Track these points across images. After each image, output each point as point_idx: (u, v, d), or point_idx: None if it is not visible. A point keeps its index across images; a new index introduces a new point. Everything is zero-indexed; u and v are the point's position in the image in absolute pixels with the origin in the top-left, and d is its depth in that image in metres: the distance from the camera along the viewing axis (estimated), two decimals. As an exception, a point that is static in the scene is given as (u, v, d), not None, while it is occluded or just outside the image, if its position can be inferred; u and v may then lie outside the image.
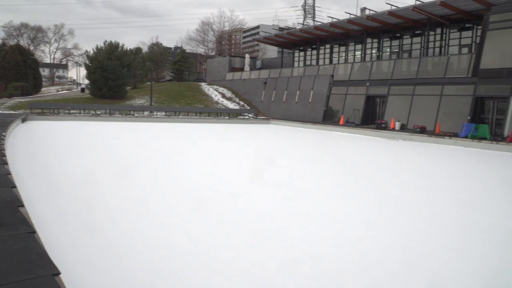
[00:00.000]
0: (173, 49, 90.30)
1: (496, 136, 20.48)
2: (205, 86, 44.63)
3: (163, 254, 4.69)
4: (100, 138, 18.57)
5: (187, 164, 11.79)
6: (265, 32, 52.76)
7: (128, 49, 43.10)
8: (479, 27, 25.11)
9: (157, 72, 59.81)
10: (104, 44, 39.14)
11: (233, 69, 48.02)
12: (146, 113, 33.68)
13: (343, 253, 4.95)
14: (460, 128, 20.97)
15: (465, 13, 25.57)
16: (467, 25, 26.98)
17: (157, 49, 60.73)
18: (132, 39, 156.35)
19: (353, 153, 16.79)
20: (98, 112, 32.10)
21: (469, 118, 21.82)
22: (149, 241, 5.11)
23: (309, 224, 6.12)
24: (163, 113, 34.10)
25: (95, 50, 38.81)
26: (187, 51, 65.11)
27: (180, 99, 39.37)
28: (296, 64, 43.07)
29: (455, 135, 20.99)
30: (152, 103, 36.19)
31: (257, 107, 39.12)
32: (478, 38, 24.87)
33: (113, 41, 39.43)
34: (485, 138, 19.51)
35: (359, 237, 5.56)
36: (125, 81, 39.04)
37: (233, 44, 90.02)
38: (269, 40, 45.21)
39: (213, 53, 72.27)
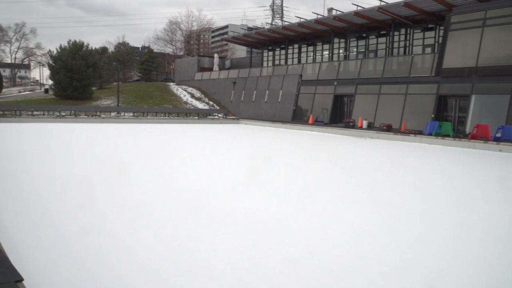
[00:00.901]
0: (140, 49, 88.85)
1: (459, 133, 21.22)
2: (173, 86, 44.12)
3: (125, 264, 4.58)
4: (65, 140, 18.02)
5: (155, 165, 11.60)
6: (234, 32, 52.64)
7: (94, 48, 42.03)
8: (442, 27, 25.94)
9: (124, 72, 58.69)
10: (68, 43, 38.04)
11: (202, 69, 47.70)
12: (113, 114, 32.96)
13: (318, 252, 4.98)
14: (425, 126, 21.59)
15: (428, 14, 26.37)
16: (430, 26, 27.83)
17: (123, 48, 59.56)
18: (98, 38, 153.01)
19: (323, 152, 16.98)
20: (63, 114, 31.17)
21: (432, 116, 22.50)
22: (112, 248, 4.98)
23: (281, 225, 6.13)
24: (131, 114, 33.48)
25: (59, 50, 37.64)
26: (154, 50, 64.20)
27: (148, 99, 38.76)
28: (265, 63, 43.22)
29: (420, 132, 21.59)
30: (120, 104, 35.47)
31: (226, 107, 39.01)
32: (440, 38, 25.69)
33: (77, 41, 38.39)
34: (448, 135, 20.17)
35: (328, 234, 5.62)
36: (91, 81, 38.06)
37: (201, 44, 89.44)
38: (237, 40, 45.20)
39: (182, 53, 71.57)
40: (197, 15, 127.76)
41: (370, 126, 25.44)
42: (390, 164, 13.84)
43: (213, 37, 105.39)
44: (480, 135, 18.89)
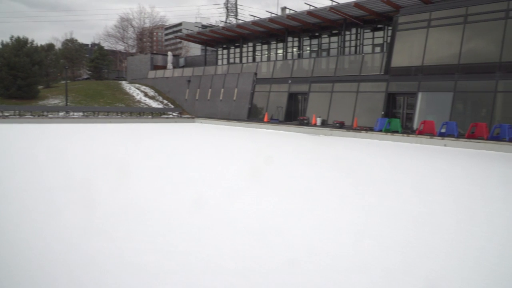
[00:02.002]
0: (90, 46, 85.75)
1: (407, 129, 22.12)
2: (126, 85, 42.98)
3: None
4: (5, 142, 17.07)
5: (113, 164, 11.22)
6: (188, 29, 51.91)
7: (39, 45, 40.14)
8: (390, 27, 26.89)
9: (72, 70, 56.47)
10: (11, 39, 36.08)
11: (155, 67, 46.78)
12: (61, 113, 31.63)
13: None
14: (375, 123, 22.32)
15: (377, 14, 27.25)
16: (379, 26, 28.78)
17: (72, 45, 57.25)
18: (43, 34, 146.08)
19: (280, 150, 17.13)
20: (6, 114, 29.53)
21: (382, 113, 23.32)
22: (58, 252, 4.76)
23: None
24: (81, 114, 32.28)
25: (1, 46, 35.62)
26: (105, 48, 62.10)
27: (99, 98, 37.51)
28: (220, 62, 43.04)
29: (370, 129, 22.30)
30: (68, 103, 34.10)
31: (181, 105, 38.52)
32: (389, 38, 26.63)
33: (21, 37, 36.47)
34: (397, 131, 20.97)
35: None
36: (37, 79, 36.31)
37: (155, 42, 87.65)
38: (191, 38, 44.69)
39: (134, 51, 69.80)
40: (149, 12, 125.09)
41: (324, 124, 25.97)
42: (344, 160, 14.18)
43: (166, 34, 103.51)
44: (427, 131, 19.78)
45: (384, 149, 17.03)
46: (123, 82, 45.59)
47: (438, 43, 21.74)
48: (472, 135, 18.23)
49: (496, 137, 17.51)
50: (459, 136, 18.67)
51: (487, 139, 17.55)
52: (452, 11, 21.13)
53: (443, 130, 19.18)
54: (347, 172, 11.28)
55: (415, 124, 21.66)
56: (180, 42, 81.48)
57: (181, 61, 49.23)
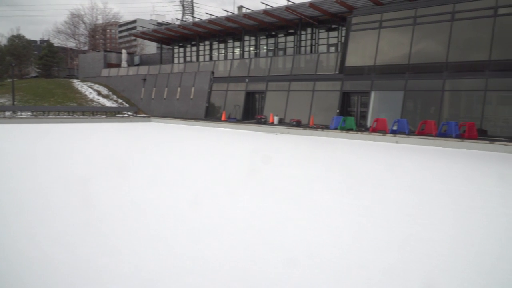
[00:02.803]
0: (38, 42, 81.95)
1: (361, 127, 22.76)
2: (78, 83, 41.46)
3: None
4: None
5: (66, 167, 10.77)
6: (143, 27, 50.78)
7: (-18, 41, 37.83)
8: (344, 28, 27.53)
9: (20, 68, 53.74)
10: (-50, 34, 33.83)
11: (109, 65, 45.44)
12: (8, 113, 30.05)
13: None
14: (331, 121, 22.80)
15: (331, 14, 27.83)
16: (333, 26, 29.40)
17: (18, 42, 54.43)
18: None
19: (237, 148, 17.12)
20: None
21: (337, 111, 23.86)
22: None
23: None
24: (29, 113, 30.81)
25: None
26: (55, 45, 59.60)
27: (49, 97, 35.96)
28: (176, 60, 42.44)
29: (326, 127, 22.76)
30: (15, 102, 32.43)
31: (137, 104, 37.65)
32: (343, 38, 27.26)
33: (-38, 32, 34.26)
34: (351, 129, 21.53)
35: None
36: (-20, 77, 34.29)
37: (108, 39, 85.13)
38: (147, 36, 43.78)
39: (86, 48, 67.46)
40: (102, 8, 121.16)
41: (281, 122, 26.22)
42: (301, 156, 14.38)
43: (120, 32, 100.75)
44: (379, 128, 20.44)
45: (340, 146, 17.43)
46: (75, 80, 43.94)
47: (389, 43, 22.51)
48: (422, 132, 19.02)
49: (443, 133, 18.36)
50: (410, 133, 19.42)
51: (436, 135, 18.37)
52: (402, 13, 21.94)
53: (395, 128, 19.88)
54: (307, 169, 11.44)
55: (369, 122, 22.32)
56: (135, 39, 79.55)
57: (136, 59, 48.13)
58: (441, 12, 20.50)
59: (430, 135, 18.57)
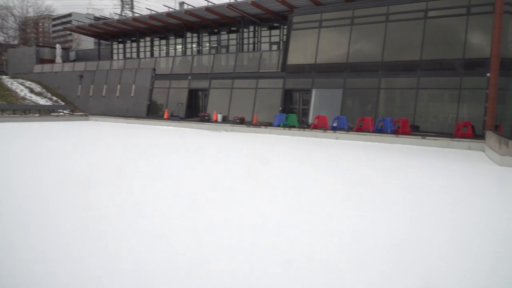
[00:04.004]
0: (-39, 36, 75.66)
1: (303, 124, 23.29)
2: (7, 80, 38.72)
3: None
4: None
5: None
6: (79, 21, 48.35)
7: None
8: (285, 26, 27.97)
9: None
10: None
11: (42, 61, 42.90)
12: None
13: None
14: (273, 118, 23.12)
15: (273, 13, 28.15)
16: (275, 25, 29.77)
17: None
18: None
19: (181, 146, 16.87)
20: None
21: (280, 108, 24.24)
22: None
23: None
24: (-49, 112, 28.40)
25: None
26: (-20, 38, 55.38)
27: (-25, 94, 33.33)
28: (115, 56, 40.94)
29: (270, 124, 23.04)
30: None
31: (73, 102, 35.93)
32: (284, 37, 27.69)
33: None
34: (294, 126, 21.97)
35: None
36: None
37: (40, 33, 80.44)
38: (83, 30, 41.80)
39: (16, 42, 63.28)
40: (33, 1, 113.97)
41: (225, 120, 26.20)
42: (244, 154, 14.46)
43: (54, 25, 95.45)
44: (321, 125, 21.03)
45: (283, 143, 17.72)
46: (4, 77, 41.00)
47: (329, 43, 23.19)
48: (360, 128, 19.81)
49: (380, 129, 19.25)
50: (349, 129, 20.16)
51: (373, 131, 19.22)
52: (340, 13, 22.69)
53: (335, 124, 20.54)
54: (250, 166, 11.51)
55: (310, 119, 22.89)
56: (70, 34, 75.76)
57: (72, 54, 45.88)
58: (376, 14, 21.44)
59: (368, 131, 19.39)
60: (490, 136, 14.69)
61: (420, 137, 17.54)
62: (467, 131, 17.24)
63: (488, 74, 17.29)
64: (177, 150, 15.30)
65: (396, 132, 18.65)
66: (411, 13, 20.37)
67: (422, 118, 20.00)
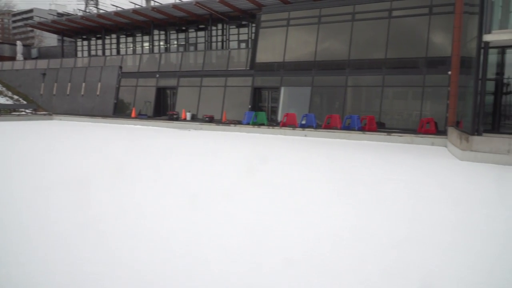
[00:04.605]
0: None
1: (272, 121, 23.42)
2: (-36, 78, 37.07)
3: None
4: None
5: None
6: (41, 17, 46.77)
7: None
8: (254, 25, 28.02)
9: None
10: None
11: (1, 58, 41.26)
12: None
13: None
14: (243, 116, 23.14)
15: (241, 11, 28.14)
16: (243, 23, 29.78)
17: None
18: None
19: (147, 145, 16.62)
20: None
21: (249, 106, 24.28)
22: None
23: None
24: None
25: None
26: None
27: None
28: (80, 54, 39.87)
29: (239, 122, 23.04)
30: None
31: (36, 101, 34.76)
32: (253, 35, 27.74)
33: None
34: (263, 124, 22.06)
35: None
36: None
37: (0, 29, 77.31)
38: (45, 27, 40.46)
39: (-27, 39, 60.59)
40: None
41: (194, 118, 26.01)
42: (211, 152, 14.40)
43: (14, 22, 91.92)
44: (289, 123, 21.21)
45: (252, 141, 17.76)
46: (-40, 74, 39.23)
47: (297, 41, 23.39)
48: (328, 125, 20.11)
49: (347, 127, 19.60)
50: (317, 127, 20.43)
51: (341, 129, 19.55)
52: (308, 12, 22.93)
53: (303, 122, 20.76)
54: (222, 164, 11.48)
55: (279, 117, 23.05)
56: (32, 30, 73.20)
57: (34, 52, 44.36)
58: (343, 13, 21.79)
59: (336, 128, 19.70)
60: (452, 132, 15.24)
61: (385, 133, 17.98)
62: (430, 128, 17.82)
63: (450, 72, 17.95)
64: (146, 150, 15.07)
65: (363, 129, 19.04)
66: (376, 12, 20.83)
67: (387, 115, 20.51)
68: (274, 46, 24.02)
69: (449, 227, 5.79)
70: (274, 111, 24.22)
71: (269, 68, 23.98)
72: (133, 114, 28.28)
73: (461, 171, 10.72)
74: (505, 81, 13.54)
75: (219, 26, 30.97)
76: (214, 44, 31.06)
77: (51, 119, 31.45)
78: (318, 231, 5.47)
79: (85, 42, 39.81)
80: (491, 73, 13.08)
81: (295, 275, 4.10)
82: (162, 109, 29.03)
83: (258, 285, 3.90)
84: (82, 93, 32.26)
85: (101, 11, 38.07)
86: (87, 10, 60.62)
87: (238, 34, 30.42)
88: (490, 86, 13.32)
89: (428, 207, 6.91)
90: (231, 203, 6.93)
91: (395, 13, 20.40)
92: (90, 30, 37.80)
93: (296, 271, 4.18)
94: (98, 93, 31.40)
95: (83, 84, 32.29)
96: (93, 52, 38.88)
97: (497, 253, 4.87)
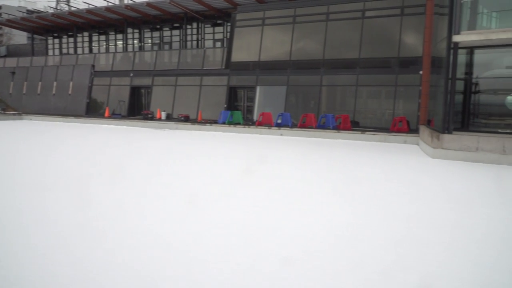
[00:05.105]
0: None
1: (248, 120, 23.42)
2: None
3: None
4: None
5: None
6: (9, 14, 45.40)
7: None
8: (229, 24, 27.94)
9: None
10: None
11: (-32, 56, 39.85)
12: None
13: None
14: (218, 115, 23.05)
15: (216, 10, 28.01)
16: (219, 22, 29.64)
17: None
18: None
19: (122, 145, 16.35)
20: None
21: (225, 106, 24.21)
22: None
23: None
24: None
25: None
26: None
27: None
28: (50, 52, 38.86)
29: (215, 122, 22.94)
30: None
31: (4, 100, 33.71)
32: (228, 34, 27.67)
33: None
34: (239, 123, 22.03)
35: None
36: None
37: (-34, 26, 74.52)
38: (14, 24, 39.23)
39: None
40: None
41: (169, 118, 25.75)
42: (189, 152, 14.29)
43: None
44: (265, 122, 21.25)
45: (228, 140, 17.72)
46: None
47: (272, 40, 23.46)
48: (303, 124, 20.25)
49: (322, 125, 19.78)
50: (293, 126, 20.54)
51: (316, 127, 19.72)
52: (283, 12, 23.03)
53: (279, 121, 20.84)
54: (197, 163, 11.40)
55: (255, 116, 23.06)
56: (0, 28, 70.90)
57: (2, 50, 43.00)
58: (317, 13, 21.98)
59: (311, 127, 19.86)
60: (423, 130, 15.58)
61: (360, 132, 18.23)
62: (402, 126, 18.18)
63: (421, 72, 18.34)
64: (124, 150, 14.82)
65: (337, 128, 19.26)
66: (350, 12, 21.10)
67: (361, 114, 20.81)
68: (249, 45, 24.02)
69: (416, 219, 5.91)
70: (250, 110, 24.22)
71: (244, 67, 23.96)
72: (106, 114, 27.77)
73: (431, 168, 10.96)
74: (473, 80, 13.92)
75: (194, 25, 30.74)
76: (189, 43, 30.81)
77: (21, 119, 30.55)
78: (289, 229, 5.49)
79: (56, 40, 38.82)
80: (460, 73, 13.41)
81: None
82: (137, 108, 28.63)
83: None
84: (54, 92, 31.48)
85: (73, 8, 37.24)
86: (58, 8, 59.10)
87: (214, 33, 30.27)
88: (460, 85, 13.67)
89: (395, 204, 7.04)
90: (208, 203, 6.88)
91: (368, 13, 20.71)
92: (62, 28, 36.89)
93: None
94: (70, 92, 30.71)
95: (55, 83, 31.51)
96: (64, 51, 37.97)
97: (457, 246, 5.00)
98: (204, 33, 30.55)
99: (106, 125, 25.22)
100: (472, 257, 4.64)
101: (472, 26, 13.13)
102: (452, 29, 12.48)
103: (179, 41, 31.30)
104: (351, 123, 19.53)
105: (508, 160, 11.26)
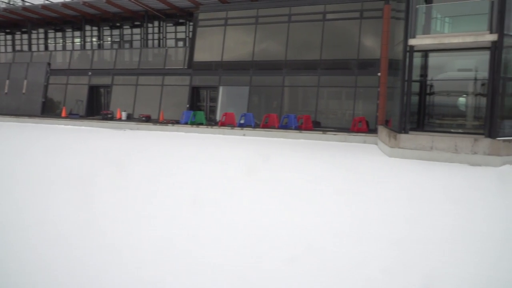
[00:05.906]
0: None
1: (211, 121, 23.32)
2: None
3: None
4: None
5: None
6: (-43, 8, 43.04)
7: None
8: (191, 23, 27.70)
9: None
10: None
11: None
12: None
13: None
14: (181, 116, 22.82)
15: (179, 9, 27.69)
16: (181, 21, 29.31)
17: None
18: None
19: (82, 146, 15.86)
20: None
21: (187, 106, 24.01)
22: None
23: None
24: None
25: None
26: None
27: None
28: (2, 49, 37.08)
29: (177, 122, 22.69)
30: None
31: (-48, 99, 31.85)
32: (191, 34, 27.43)
33: None
34: (201, 123, 21.90)
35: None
36: None
37: None
38: (-38, 18, 37.21)
39: None
40: None
41: (130, 118, 25.24)
42: (151, 153, 14.07)
43: None
44: (228, 122, 21.24)
45: (190, 140, 17.58)
46: None
47: (235, 41, 23.48)
48: (266, 125, 20.39)
49: (285, 126, 20.01)
50: (256, 126, 20.64)
51: (278, 128, 19.92)
52: (245, 12, 23.11)
53: (242, 121, 20.88)
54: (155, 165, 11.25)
55: (218, 116, 23.01)
56: None
57: (-51, 45, 40.61)
58: (280, 14, 22.21)
59: (273, 127, 20.04)
60: (382, 130, 16.08)
61: (321, 132, 18.58)
62: (362, 126, 18.69)
63: (379, 74, 18.92)
64: (75, 153, 14.38)
65: (299, 128, 19.53)
66: (311, 14, 21.46)
67: (323, 114, 21.21)
68: (212, 45, 23.92)
69: (374, 220, 6.12)
70: (212, 110, 24.14)
71: (207, 67, 23.85)
72: (63, 114, 26.85)
73: (388, 168, 11.33)
74: (428, 82, 14.52)
75: (156, 23, 30.25)
76: (150, 42, 30.28)
77: (-30, 119, 29.00)
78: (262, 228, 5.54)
79: (9, 36, 37.10)
80: (416, 75, 13.95)
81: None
82: (96, 108, 27.86)
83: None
84: (6, 91, 30.10)
85: (27, 3, 35.69)
86: (11, 2, 56.52)
87: (176, 32, 29.90)
88: (416, 87, 14.21)
89: (350, 202, 7.25)
90: (172, 205, 6.82)
91: (329, 16, 21.14)
92: (15, 24, 35.30)
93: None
94: (24, 91, 29.46)
95: (7, 82, 30.14)
96: (18, 47, 36.35)
97: (411, 240, 5.22)
98: (166, 32, 30.13)
99: (62, 126, 24.39)
100: (420, 251, 4.85)
101: (426, 31, 13.69)
102: (408, 33, 12.98)
103: (140, 40, 30.70)
104: (312, 123, 19.88)
105: (459, 158, 11.83)
